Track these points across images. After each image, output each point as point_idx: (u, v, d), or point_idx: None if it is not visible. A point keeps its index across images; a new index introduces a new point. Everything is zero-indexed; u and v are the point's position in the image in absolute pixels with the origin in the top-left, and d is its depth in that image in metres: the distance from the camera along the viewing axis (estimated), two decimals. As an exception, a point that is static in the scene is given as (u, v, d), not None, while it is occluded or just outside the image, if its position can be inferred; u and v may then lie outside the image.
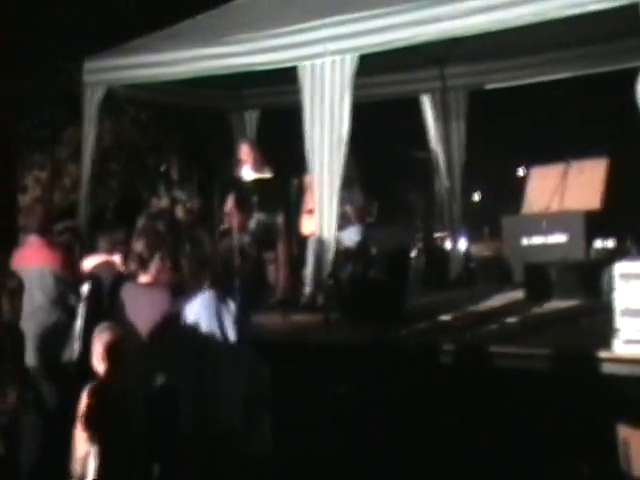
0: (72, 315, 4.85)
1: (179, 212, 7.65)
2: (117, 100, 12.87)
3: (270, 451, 4.26)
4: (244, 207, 7.47)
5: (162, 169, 8.36)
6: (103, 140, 12.94)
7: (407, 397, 5.16)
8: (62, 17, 12.64)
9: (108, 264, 4.89)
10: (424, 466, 4.87)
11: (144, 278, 4.50)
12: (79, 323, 4.80)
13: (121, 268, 4.84)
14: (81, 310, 4.83)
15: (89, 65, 7.74)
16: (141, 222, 5.16)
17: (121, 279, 4.66)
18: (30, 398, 4.89)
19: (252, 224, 7.44)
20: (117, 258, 4.91)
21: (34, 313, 4.86)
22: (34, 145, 14.89)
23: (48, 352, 4.80)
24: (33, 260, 4.90)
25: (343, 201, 6.81)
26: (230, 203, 7.63)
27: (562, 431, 4.55)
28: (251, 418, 4.19)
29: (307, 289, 7.13)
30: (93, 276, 4.88)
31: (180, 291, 4.48)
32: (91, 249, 5.15)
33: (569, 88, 9.77)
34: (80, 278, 4.95)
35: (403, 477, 4.90)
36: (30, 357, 4.85)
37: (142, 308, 4.36)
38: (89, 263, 5.04)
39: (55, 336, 4.80)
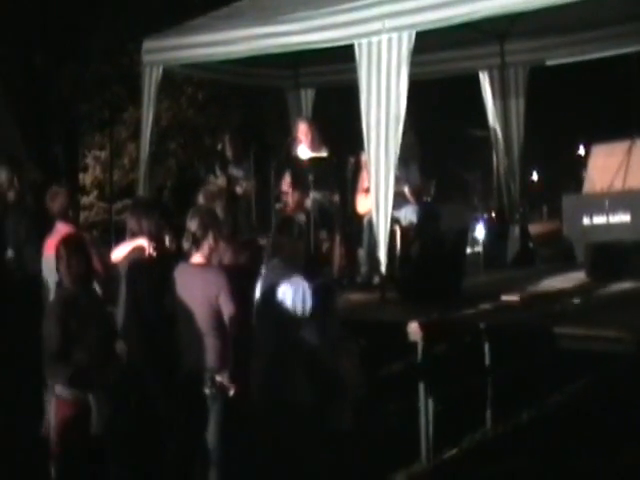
0: None
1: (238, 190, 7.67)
2: (175, 80, 13.06)
3: (350, 428, 4.26)
4: (300, 186, 7.47)
5: (219, 148, 8.37)
6: (161, 120, 13.17)
7: (464, 378, 5.12)
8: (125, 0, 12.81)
9: (140, 249, 4.77)
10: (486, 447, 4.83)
11: (197, 258, 4.47)
12: (120, 311, 4.81)
13: (151, 251, 4.73)
14: (121, 298, 4.84)
15: (148, 45, 7.81)
16: (199, 200, 5.16)
17: (154, 261, 4.63)
18: None
19: (308, 203, 7.44)
20: (144, 242, 4.75)
21: None
22: (95, 125, 15.19)
23: None
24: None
25: (400, 180, 6.76)
26: (286, 182, 7.64)
27: (630, 414, 4.46)
28: (336, 395, 4.20)
29: (363, 268, 7.11)
30: (130, 264, 4.80)
31: (248, 272, 4.48)
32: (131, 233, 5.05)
33: (633, 63, 9.48)
34: (109, 266, 4.92)
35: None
36: None
37: (195, 289, 4.37)
38: (117, 254, 4.95)
39: None
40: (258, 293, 4.37)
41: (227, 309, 4.28)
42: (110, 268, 5.00)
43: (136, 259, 4.71)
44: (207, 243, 4.43)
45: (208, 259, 4.45)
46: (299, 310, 4.16)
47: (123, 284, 4.85)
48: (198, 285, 4.36)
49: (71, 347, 3.99)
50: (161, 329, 4.51)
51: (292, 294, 4.16)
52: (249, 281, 4.49)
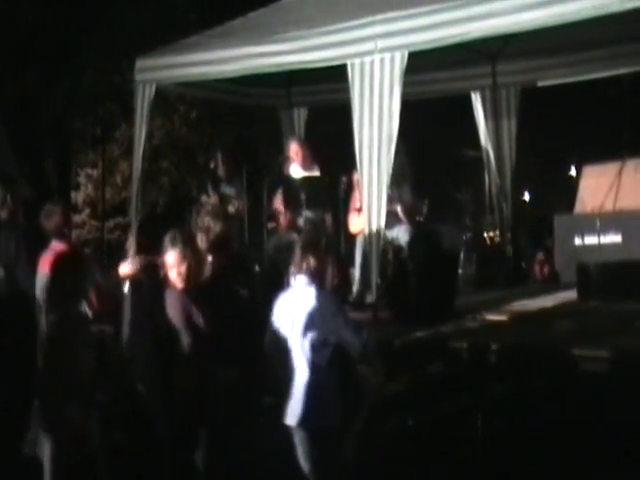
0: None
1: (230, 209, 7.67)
2: (168, 98, 13.07)
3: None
4: (292, 205, 7.47)
5: (211, 166, 8.39)
6: (154, 138, 13.20)
7: (457, 397, 5.10)
8: (118, 18, 12.85)
9: (148, 266, 4.76)
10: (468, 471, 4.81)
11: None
12: (125, 329, 4.79)
13: (160, 269, 4.73)
14: (125, 316, 4.81)
15: (140, 63, 7.83)
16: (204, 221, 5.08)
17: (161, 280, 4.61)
18: None
19: (300, 222, 7.44)
20: (157, 260, 4.78)
21: None
22: (87, 143, 15.19)
23: None
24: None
25: (393, 200, 6.77)
26: (278, 201, 7.65)
27: (619, 435, 4.45)
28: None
29: (355, 287, 7.10)
30: (134, 281, 4.80)
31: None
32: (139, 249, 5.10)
33: (624, 84, 9.55)
34: (101, 285, 4.91)
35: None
36: None
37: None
38: (125, 269, 4.93)
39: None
40: (282, 310, 4.20)
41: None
42: (103, 287, 4.97)
43: (145, 277, 4.69)
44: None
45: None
46: (330, 328, 4.00)
47: (128, 301, 4.82)
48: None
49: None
50: (168, 348, 4.50)
51: (322, 311, 3.99)
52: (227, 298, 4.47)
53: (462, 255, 8.55)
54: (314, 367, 4.02)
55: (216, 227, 4.57)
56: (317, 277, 4.12)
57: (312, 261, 4.12)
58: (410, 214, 7.29)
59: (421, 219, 7.54)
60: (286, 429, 4.05)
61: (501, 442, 4.90)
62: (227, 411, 4.29)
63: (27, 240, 5.67)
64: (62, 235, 5.02)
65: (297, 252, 4.20)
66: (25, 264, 5.44)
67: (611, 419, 4.52)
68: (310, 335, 4.01)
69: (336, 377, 4.05)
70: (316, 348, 4.01)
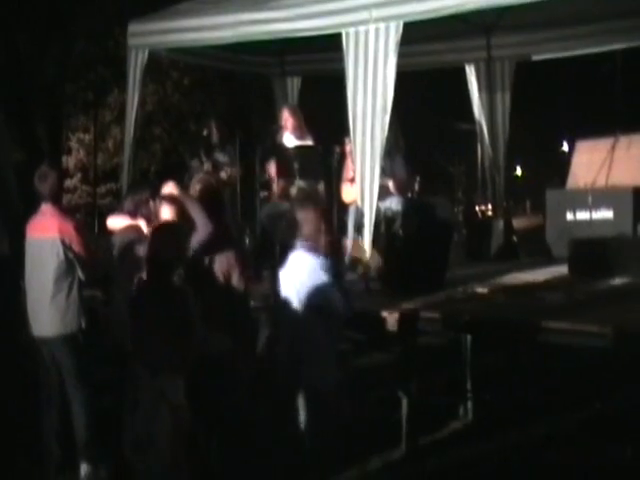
0: (81, 285, 4.84)
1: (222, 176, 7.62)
2: (161, 64, 12.94)
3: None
4: (285, 174, 7.45)
5: (204, 133, 8.33)
6: (147, 104, 13.08)
7: (446, 370, 5.14)
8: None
9: (133, 228, 4.77)
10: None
11: None
12: (115, 293, 4.79)
13: (145, 231, 4.72)
14: (117, 273, 4.79)
15: (133, 28, 7.74)
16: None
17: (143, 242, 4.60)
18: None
19: (293, 191, 7.42)
20: (141, 221, 4.76)
21: (46, 283, 4.79)
22: (79, 107, 15.05)
23: (62, 322, 4.78)
24: (45, 230, 4.85)
25: (385, 173, 6.75)
26: (271, 170, 7.62)
27: (608, 410, 4.49)
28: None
29: (347, 257, 7.11)
30: (123, 239, 4.76)
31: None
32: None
33: (619, 60, 9.52)
34: (93, 250, 4.92)
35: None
36: (44, 328, 4.82)
37: None
38: (114, 223, 4.98)
39: (67, 306, 4.78)
40: (283, 279, 4.19)
41: None
42: (95, 253, 4.97)
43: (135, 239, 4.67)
44: None
45: None
46: (321, 292, 4.01)
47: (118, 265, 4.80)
48: None
49: None
50: None
51: (318, 277, 3.99)
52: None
53: (453, 228, 8.54)
54: (316, 331, 4.04)
55: (209, 195, 4.54)
56: (312, 244, 4.12)
57: (306, 229, 4.12)
58: (401, 189, 7.28)
59: (413, 195, 7.54)
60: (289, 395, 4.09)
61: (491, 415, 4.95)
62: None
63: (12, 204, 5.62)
64: (54, 199, 4.96)
65: (292, 221, 4.20)
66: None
67: (600, 394, 4.56)
68: (308, 301, 4.03)
69: (334, 341, 4.09)
70: (315, 314, 4.03)
